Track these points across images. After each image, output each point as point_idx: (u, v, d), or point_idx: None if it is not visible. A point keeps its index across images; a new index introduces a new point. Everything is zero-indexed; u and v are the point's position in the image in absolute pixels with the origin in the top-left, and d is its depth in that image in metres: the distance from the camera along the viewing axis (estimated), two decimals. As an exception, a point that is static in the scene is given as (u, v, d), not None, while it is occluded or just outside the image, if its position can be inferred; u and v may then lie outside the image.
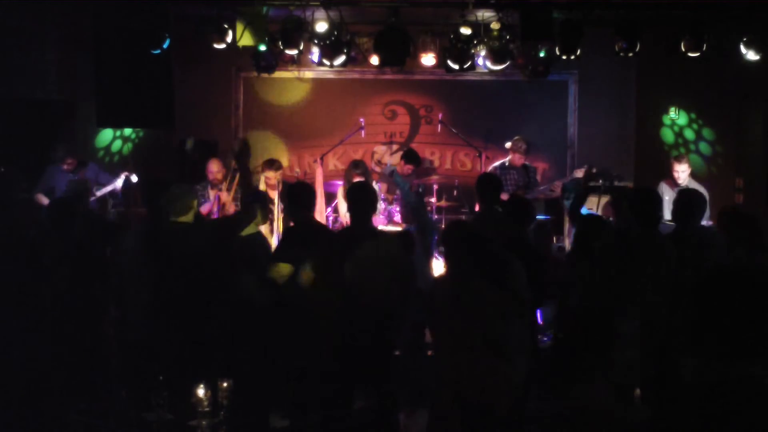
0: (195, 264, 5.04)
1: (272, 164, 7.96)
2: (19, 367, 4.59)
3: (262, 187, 7.95)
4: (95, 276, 5.35)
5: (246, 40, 7.77)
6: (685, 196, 5.39)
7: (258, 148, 9.56)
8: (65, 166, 7.86)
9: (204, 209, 7.50)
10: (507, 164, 8.50)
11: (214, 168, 7.90)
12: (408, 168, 8.38)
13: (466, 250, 4.21)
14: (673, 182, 7.95)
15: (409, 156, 8.54)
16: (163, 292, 5.05)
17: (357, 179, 7.76)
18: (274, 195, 7.64)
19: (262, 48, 8.25)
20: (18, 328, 4.72)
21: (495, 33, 7.95)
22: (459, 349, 4.09)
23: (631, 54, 7.93)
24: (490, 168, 8.60)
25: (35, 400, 4.45)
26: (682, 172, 7.95)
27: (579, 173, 8.01)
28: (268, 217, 6.25)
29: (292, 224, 5.68)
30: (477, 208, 6.79)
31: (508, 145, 8.54)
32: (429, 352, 6.48)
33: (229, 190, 7.72)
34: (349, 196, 5.06)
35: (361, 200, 4.94)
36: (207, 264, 5.06)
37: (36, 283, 5.02)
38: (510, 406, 4.12)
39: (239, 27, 7.72)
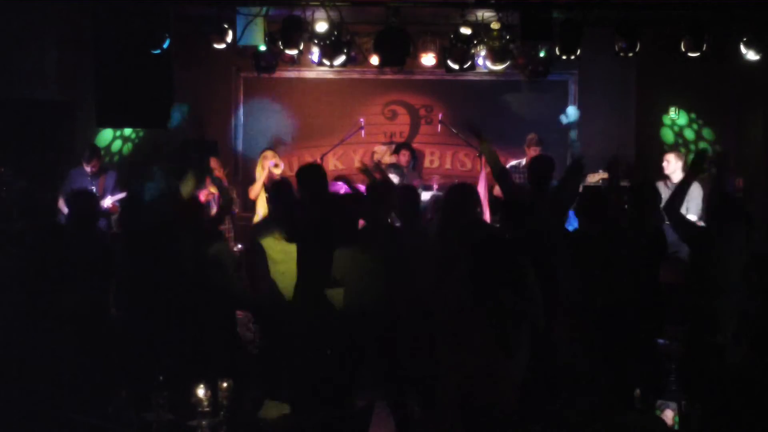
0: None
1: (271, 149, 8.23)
2: (19, 367, 4.59)
3: (259, 172, 7.95)
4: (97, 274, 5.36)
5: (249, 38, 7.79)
6: None
7: (258, 148, 9.54)
8: (89, 168, 7.86)
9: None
10: (523, 164, 8.31)
11: (212, 165, 7.92)
12: (405, 154, 8.48)
13: (483, 253, 4.16)
14: (666, 180, 7.69)
15: (401, 145, 8.72)
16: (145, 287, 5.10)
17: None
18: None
19: (262, 48, 8.26)
20: (18, 327, 4.72)
21: (495, 33, 7.96)
22: (464, 349, 4.08)
23: (631, 54, 7.92)
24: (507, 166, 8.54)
25: (35, 400, 4.45)
26: (666, 162, 7.75)
27: (594, 177, 7.97)
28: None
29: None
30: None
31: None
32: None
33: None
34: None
35: None
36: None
37: (37, 283, 5.02)
38: (514, 406, 4.12)
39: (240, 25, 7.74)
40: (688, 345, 5.10)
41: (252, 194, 7.94)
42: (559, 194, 5.70)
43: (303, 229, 5.09)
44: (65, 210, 7.77)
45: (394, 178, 7.86)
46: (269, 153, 8.10)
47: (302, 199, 5.27)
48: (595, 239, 5.09)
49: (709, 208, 5.96)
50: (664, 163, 7.79)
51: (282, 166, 8.05)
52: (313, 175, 5.31)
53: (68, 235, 5.40)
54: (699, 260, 5.21)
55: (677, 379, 4.94)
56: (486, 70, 8.72)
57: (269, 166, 7.90)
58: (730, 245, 5.06)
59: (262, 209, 7.87)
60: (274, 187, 5.76)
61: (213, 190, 7.68)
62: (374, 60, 8.44)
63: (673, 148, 9.57)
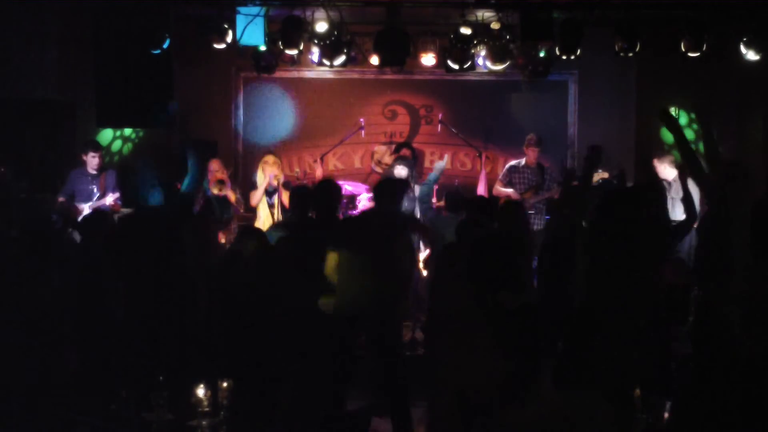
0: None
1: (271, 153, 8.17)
2: (19, 367, 4.59)
3: (260, 177, 7.96)
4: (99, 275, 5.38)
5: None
6: None
7: (258, 148, 9.55)
8: (95, 161, 7.83)
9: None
10: (523, 164, 8.35)
11: (214, 167, 7.93)
12: (405, 152, 8.49)
13: (483, 253, 4.16)
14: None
15: (401, 144, 8.75)
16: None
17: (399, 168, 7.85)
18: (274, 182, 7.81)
19: (262, 48, 8.26)
20: (18, 327, 4.72)
21: (495, 33, 7.96)
22: (462, 349, 4.08)
23: (631, 54, 7.94)
24: (507, 166, 8.53)
25: (36, 400, 4.45)
26: (663, 169, 7.79)
27: (594, 177, 7.98)
28: None
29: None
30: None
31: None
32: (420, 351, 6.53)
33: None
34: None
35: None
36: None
37: (37, 282, 5.02)
38: (513, 406, 4.11)
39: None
40: (694, 343, 5.05)
41: (253, 201, 7.86)
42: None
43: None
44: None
45: (403, 171, 7.84)
46: (270, 158, 7.99)
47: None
48: (608, 238, 5.05)
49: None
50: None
51: (283, 178, 7.98)
52: (326, 192, 5.37)
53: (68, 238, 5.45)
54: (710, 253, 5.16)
55: (677, 379, 4.93)
56: (486, 70, 8.72)
57: (269, 178, 7.85)
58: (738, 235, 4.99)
59: (263, 213, 7.85)
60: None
61: (217, 191, 7.67)
62: (374, 60, 8.44)
63: (673, 148, 9.58)
